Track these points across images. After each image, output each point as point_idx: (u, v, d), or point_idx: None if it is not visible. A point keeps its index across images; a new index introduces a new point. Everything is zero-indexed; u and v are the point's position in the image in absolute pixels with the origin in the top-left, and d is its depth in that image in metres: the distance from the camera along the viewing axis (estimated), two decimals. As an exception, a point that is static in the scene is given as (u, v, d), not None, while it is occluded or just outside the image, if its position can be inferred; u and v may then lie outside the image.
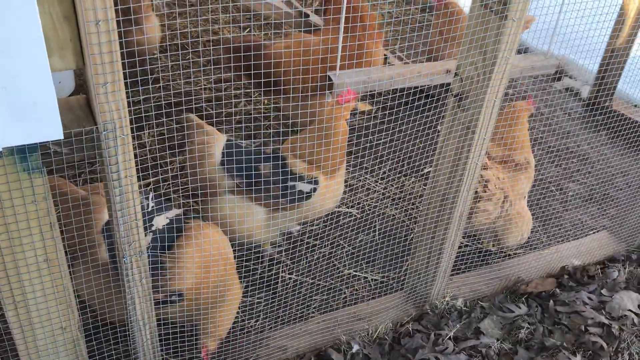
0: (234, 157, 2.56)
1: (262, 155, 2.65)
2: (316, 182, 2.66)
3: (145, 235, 2.03)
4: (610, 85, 4.24)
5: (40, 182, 1.48)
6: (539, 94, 4.66)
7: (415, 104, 4.02)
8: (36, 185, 1.48)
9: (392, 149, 3.63)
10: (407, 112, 3.94)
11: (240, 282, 2.56)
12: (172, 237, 2.17)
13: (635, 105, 4.42)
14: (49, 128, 1.39)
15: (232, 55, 2.91)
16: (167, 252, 2.13)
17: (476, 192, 2.75)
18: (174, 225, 2.19)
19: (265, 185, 2.58)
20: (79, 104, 1.59)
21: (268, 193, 2.58)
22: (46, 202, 1.52)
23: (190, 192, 3.02)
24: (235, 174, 2.59)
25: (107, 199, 1.67)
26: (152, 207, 2.24)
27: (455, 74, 2.16)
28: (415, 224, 3.20)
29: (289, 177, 2.60)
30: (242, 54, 2.95)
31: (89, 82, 1.44)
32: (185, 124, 2.65)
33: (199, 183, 2.53)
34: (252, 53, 3.12)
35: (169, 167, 3.26)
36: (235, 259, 2.41)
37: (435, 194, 2.43)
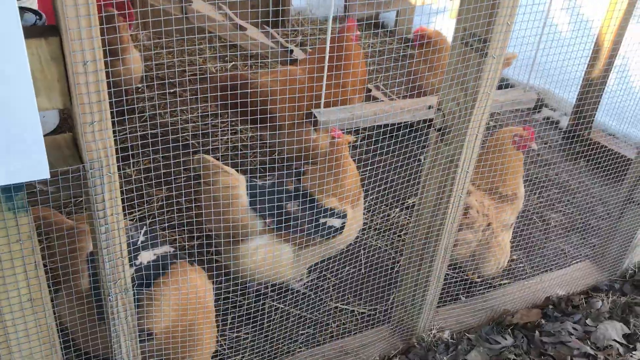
0: (265, 198, 2.51)
1: (291, 194, 2.63)
2: (344, 216, 2.68)
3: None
4: (589, 117, 4.34)
5: (25, 221, 1.47)
6: (517, 124, 4.73)
7: (399, 133, 4.07)
8: (21, 225, 1.47)
9: (376, 180, 3.65)
10: (389, 142, 3.98)
11: (222, 324, 2.52)
12: (155, 274, 2.14)
13: (614, 135, 4.52)
14: (36, 167, 1.39)
15: (218, 93, 2.93)
16: (146, 289, 2.10)
17: None
18: (160, 263, 2.17)
19: (298, 223, 2.56)
20: (65, 142, 1.59)
21: (301, 232, 2.57)
22: (31, 241, 1.51)
23: (214, 234, 2.89)
24: (266, 214, 2.56)
25: (92, 236, 1.66)
26: (142, 241, 2.22)
27: (438, 109, 2.20)
28: (400, 255, 3.21)
29: (322, 213, 2.61)
30: (229, 92, 2.98)
31: (76, 121, 1.44)
32: (202, 165, 2.58)
33: (231, 226, 2.42)
34: (239, 91, 3.15)
35: (155, 202, 3.25)
36: (221, 296, 2.39)
37: (420, 227, 2.45)
